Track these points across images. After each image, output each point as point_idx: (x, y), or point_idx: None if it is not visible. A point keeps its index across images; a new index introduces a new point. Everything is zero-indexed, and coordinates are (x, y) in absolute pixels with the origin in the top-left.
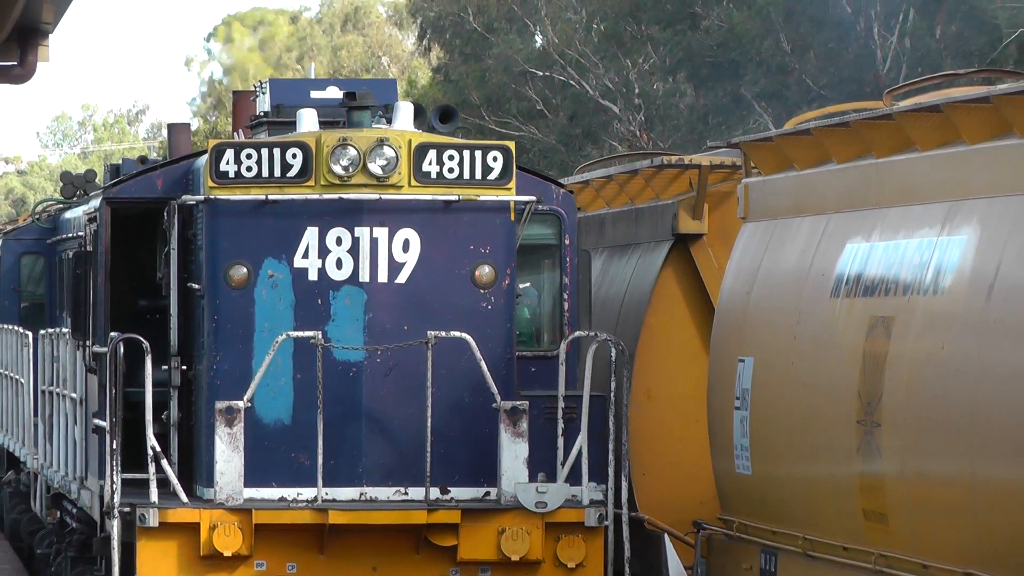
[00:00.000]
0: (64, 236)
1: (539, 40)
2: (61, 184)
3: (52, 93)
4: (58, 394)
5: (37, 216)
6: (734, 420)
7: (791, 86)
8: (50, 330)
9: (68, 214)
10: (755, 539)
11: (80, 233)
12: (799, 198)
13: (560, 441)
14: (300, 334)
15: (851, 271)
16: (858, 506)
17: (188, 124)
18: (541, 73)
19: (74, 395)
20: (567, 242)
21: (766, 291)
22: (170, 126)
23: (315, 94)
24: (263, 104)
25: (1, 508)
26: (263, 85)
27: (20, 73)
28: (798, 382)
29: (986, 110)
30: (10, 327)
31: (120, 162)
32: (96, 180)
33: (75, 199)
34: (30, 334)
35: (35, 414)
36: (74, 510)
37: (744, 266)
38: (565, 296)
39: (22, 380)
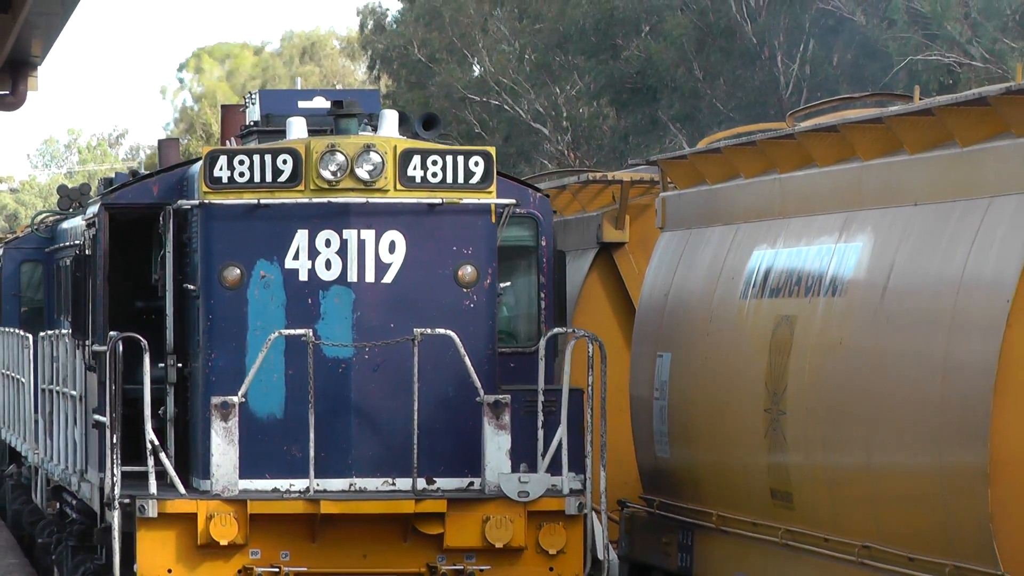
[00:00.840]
0: (61, 245)
1: (477, 69)
2: (57, 197)
3: (41, 119)
4: (58, 392)
5: (36, 227)
6: (653, 409)
7: (703, 109)
8: (50, 332)
9: (65, 224)
10: (674, 516)
11: (77, 241)
12: (711, 210)
13: (540, 433)
14: (292, 332)
15: (758, 275)
16: (766, 486)
17: (177, 139)
18: (478, 98)
19: (74, 392)
20: (543, 243)
21: (682, 293)
22: (160, 142)
23: (302, 104)
24: (253, 114)
25: (4, 500)
26: (253, 96)
27: (12, 101)
28: (711, 375)
29: (878, 130)
30: (11, 330)
31: (113, 176)
32: (90, 193)
33: (71, 211)
34: (30, 336)
35: (36, 411)
36: (74, 502)
37: (662, 271)
38: (542, 295)
39: (23, 379)
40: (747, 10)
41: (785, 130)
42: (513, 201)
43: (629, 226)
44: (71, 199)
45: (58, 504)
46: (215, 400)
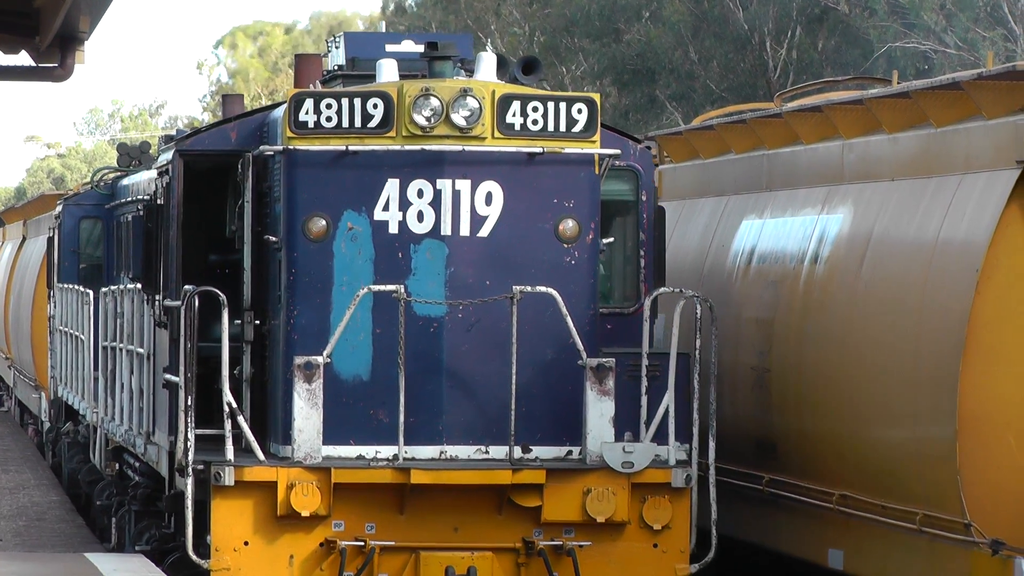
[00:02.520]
0: (122, 200)
1: (490, 49)
2: (118, 154)
3: (86, 89)
4: (122, 349)
5: (96, 183)
6: None
7: (697, 90)
8: (113, 287)
9: (125, 180)
10: None
11: (140, 196)
12: (703, 182)
13: (644, 399)
14: (382, 288)
15: (746, 243)
16: (753, 437)
17: (242, 96)
18: None
19: (141, 350)
20: (644, 198)
21: (676, 260)
22: (225, 96)
23: (390, 47)
24: (336, 58)
25: (60, 458)
26: (336, 39)
27: (60, 73)
28: None
29: (859, 111)
30: (71, 286)
31: (175, 132)
32: (151, 151)
33: (131, 168)
34: (91, 292)
35: (95, 368)
36: (137, 464)
37: None
38: (642, 253)
39: (82, 336)
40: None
41: (773, 110)
42: (618, 151)
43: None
44: (131, 156)
45: (117, 465)
46: (298, 360)
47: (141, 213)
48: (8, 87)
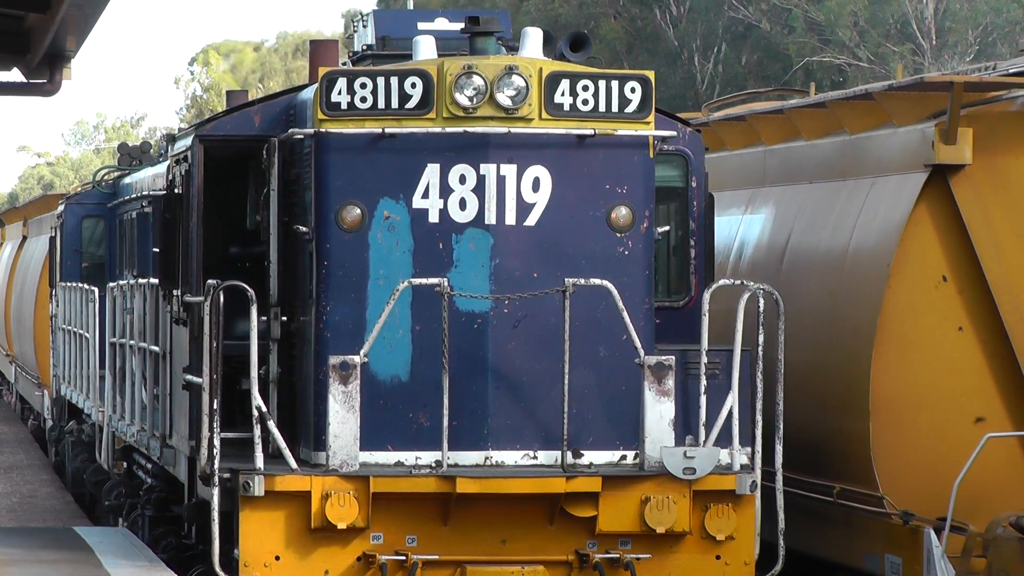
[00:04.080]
0: (124, 199)
1: None
2: (118, 154)
3: (73, 103)
4: (132, 347)
5: (98, 182)
6: None
7: None
8: (122, 282)
9: (127, 179)
10: None
11: (145, 192)
12: None
13: (703, 400)
14: (423, 281)
15: None
16: None
17: (246, 92)
18: None
19: (155, 348)
20: (694, 184)
21: None
22: (229, 93)
23: (423, 25)
24: (364, 37)
25: (64, 457)
26: (364, 18)
27: (49, 88)
28: None
29: (780, 119)
30: (74, 284)
31: (176, 131)
32: (151, 152)
33: (132, 167)
34: (96, 289)
35: (101, 366)
36: (149, 465)
37: None
38: (692, 243)
39: (86, 334)
40: (670, 18)
41: (701, 119)
42: (673, 133)
43: None
44: (132, 156)
45: (125, 464)
46: (333, 360)
47: (146, 210)
48: (1, 101)
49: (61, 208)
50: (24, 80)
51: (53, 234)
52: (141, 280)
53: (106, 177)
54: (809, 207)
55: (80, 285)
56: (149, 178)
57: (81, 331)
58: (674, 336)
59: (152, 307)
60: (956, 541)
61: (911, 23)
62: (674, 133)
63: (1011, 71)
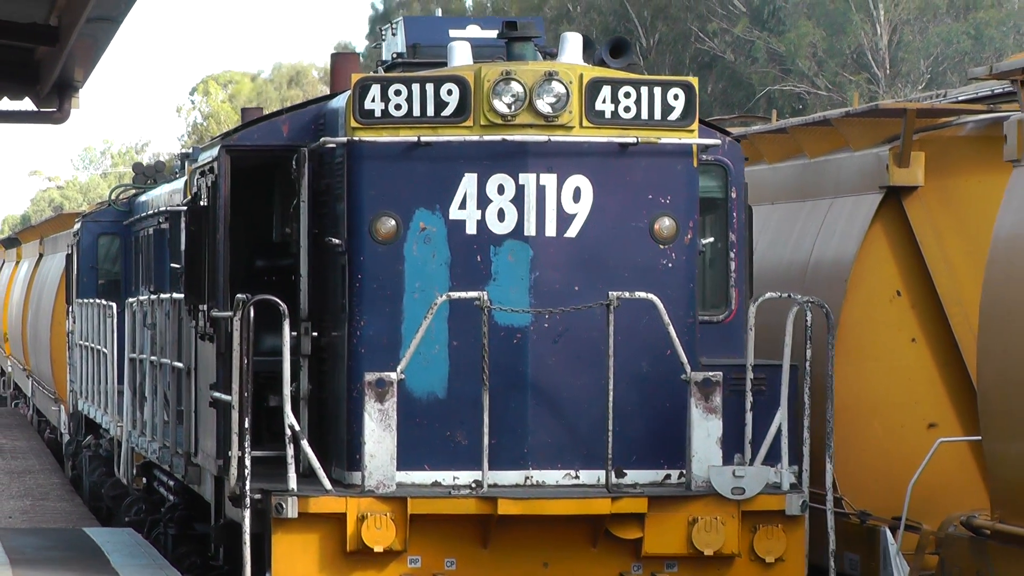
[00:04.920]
0: (140, 216)
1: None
2: (134, 174)
3: (81, 130)
4: (153, 362)
5: (113, 201)
6: None
7: None
8: (142, 297)
9: (143, 197)
10: None
11: (161, 207)
12: None
13: (749, 416)
14: (463, 295)
15: None
16: None
17: (261, 108)
18: None
19: (178, 364)
20: (733, 195)
21: None
22: (244, 110)
23: (454, 32)
24: (394, 45)
25: (81, 471)
26: (394, 25)
27: (59, 117)
28: None
29: (743, 145)
30: (92, 300)
31: (190, 150)
32: (164, 171)
33: (147, 185)
34: (114, 304)
35: (119, 382)
36: (171, 482)
37: None
38: (731, 255)
39: (104, 350)
40: (640, 49)
41: None
42: (718, 141)
43: None
44: (146, 175)
45: (144, 480)
46: (369, 377)
47: (162, 226)
48: (14, 129)
49: (77, 226)
50: (35, 109)
51: (70, 251)
52: (163, 295)
53: (121, 195)
54: (772, 226)
55: (98, 301)
56: (166, 194)
57: (99, 347)
58: (713, 351)
59: (174, 322)
60: (910, 539)
61: (866, 53)
62: (718, 142)
63: (960, 99)
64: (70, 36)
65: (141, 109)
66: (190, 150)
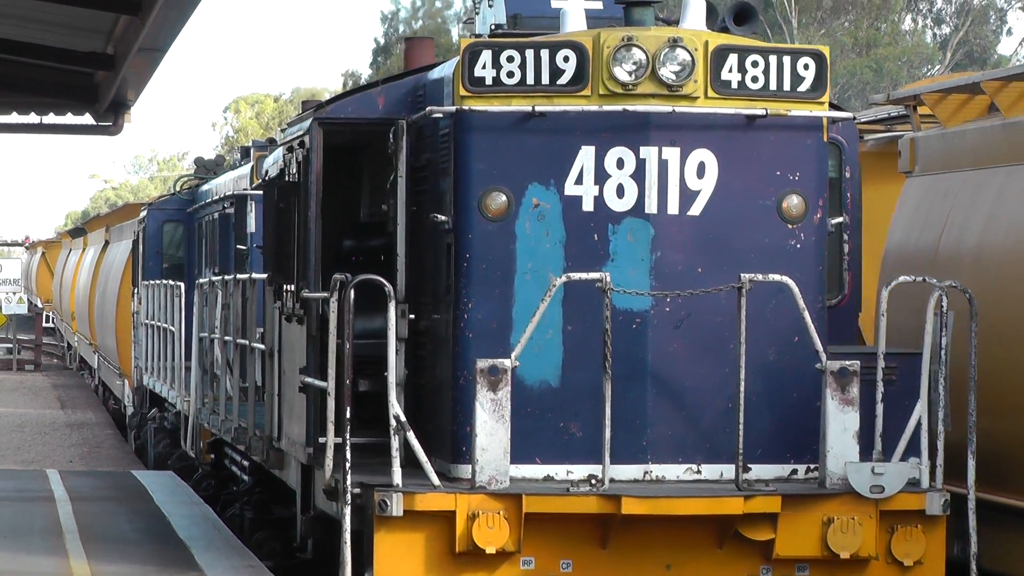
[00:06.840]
0: (202, 203)
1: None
2: (195, 167)
3: (133, 140)
4: (228, 342)
5: (177, 190)
6: None
7: None
8: (215, 277)
9: (205, 187)
10: None
11: (224, 193)
12: None
13: (880, 408)
14: (583, 276)
15: None
16: None
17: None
18: None
19: (259, 346)
20: (847, 175)
21: None
22: (304, 103)
23: (556, 3)
24: (490, 17)
25: (146, 441)
26: None
27: (113, 130)
28: None
29: None
30: (159, 282)
31: (250, 144)
32: (224, 164)
33: (207, 178)
34: (181, 284)
35: (187, 359)
36: (245, 463)
37: None
38: (845, 237)
39: (171, 328)
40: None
41: None
42: (850, 115)
43: None
44: (207, 168)
45: (212, 456)
46: (481, 364)
47: (227, 211)
48: (77, 139)
49: (143, 214)
50: (94, 123)
51: (135, 238)
52: (240, 276)
53: (185, 185)
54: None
55: (166, 282)
56: (231, 180)
57: (166, 325)
58: (828, 337)
59: (252, 302)
60: None
61: None
62: (851, 115)
63: (863, 120)
64: (124, 63)
65: (182, 123)
66: (249, 144)
